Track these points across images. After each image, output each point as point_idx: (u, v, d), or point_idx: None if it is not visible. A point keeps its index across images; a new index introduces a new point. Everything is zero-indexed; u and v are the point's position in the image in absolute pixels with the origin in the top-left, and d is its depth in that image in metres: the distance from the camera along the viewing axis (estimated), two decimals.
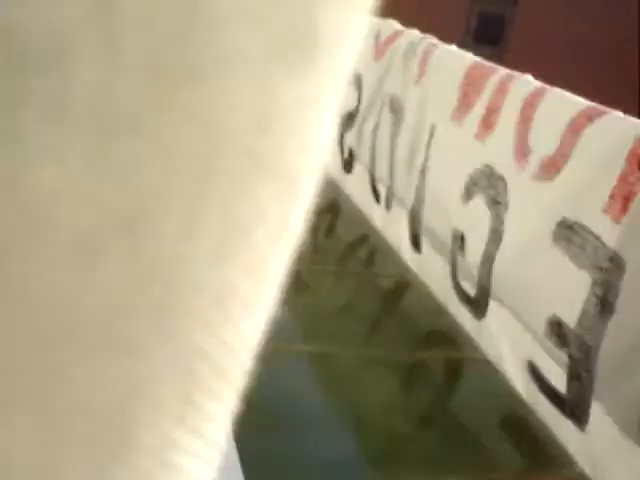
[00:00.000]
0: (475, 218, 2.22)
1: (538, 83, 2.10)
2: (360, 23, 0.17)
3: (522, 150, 2.04)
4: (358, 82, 3.45)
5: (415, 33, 2.98)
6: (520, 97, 2.08)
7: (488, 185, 2.16)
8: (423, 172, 2.63)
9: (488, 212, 2.15)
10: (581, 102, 1.88)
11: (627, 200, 1.70)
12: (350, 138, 3.52)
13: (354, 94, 3.50)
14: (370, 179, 3.27)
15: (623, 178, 1.69)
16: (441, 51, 2.68)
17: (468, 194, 2.26)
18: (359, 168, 3.44)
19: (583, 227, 1.79)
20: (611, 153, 1.73)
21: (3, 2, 0.13)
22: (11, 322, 0.15)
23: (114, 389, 0.16)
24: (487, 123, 2.22)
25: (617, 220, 1.71)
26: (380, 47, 3.20)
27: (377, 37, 3.24)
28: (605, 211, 1.73)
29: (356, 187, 3.49)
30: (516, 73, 2.22)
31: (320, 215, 3.72)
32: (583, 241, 1.79)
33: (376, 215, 3.25)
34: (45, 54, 0.14)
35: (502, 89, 2.18)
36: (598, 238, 1.76)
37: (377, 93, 3.22)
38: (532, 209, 1.97)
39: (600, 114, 1.79)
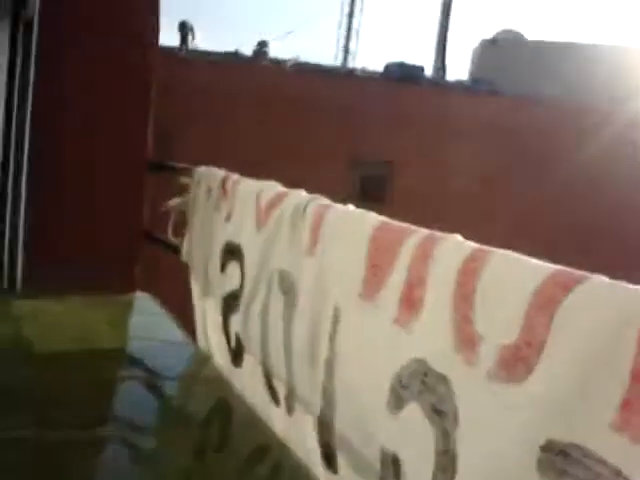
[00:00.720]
0: (411, 434, 1.58)
1: (473, 244, 1.55)
2: None
3: (466, 337, 1.45)
4: (239, 255, 2.86)
5: (302, 194, 2.44)
6: (453, 264, 1.51)
7: (424, 388, 1.54)
8: (330, 367, 2.00)
9: (430, 426, 1.51)
10: (545, 266, 1.33)
11: None
12: (236, 323, 2.88)
13: (236, 269, 2.90)
14: (264, 374, 2.60)
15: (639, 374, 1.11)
16: (336, 212, 2.13)
17: (397, 401, 1.63)
18: (250, 360, 2.78)
19: (583, 451, 1.19)
20: (611, 337, 1.16)
21: None
22: None
23: None
24: (410, 302, 1.63)
25: (636, 439, 1.12)
26: (261, 213, 2.64)
27: (257, 201, 2.69)
28: (616, 427, 1.14)
29: (248, 384, 2.81)
30: (438, 233, 1.67)
31: (205, 422, 2.99)
32: (586, 472, 1.18)
33: (275, 420, 2.55)
34: None
35: (424, 254, 1.62)
36: (607, 465, 1.16)
37: (262, 268, 2.62)
38: (496, 424, 1.35)
39: (580, 280, 1.24)
